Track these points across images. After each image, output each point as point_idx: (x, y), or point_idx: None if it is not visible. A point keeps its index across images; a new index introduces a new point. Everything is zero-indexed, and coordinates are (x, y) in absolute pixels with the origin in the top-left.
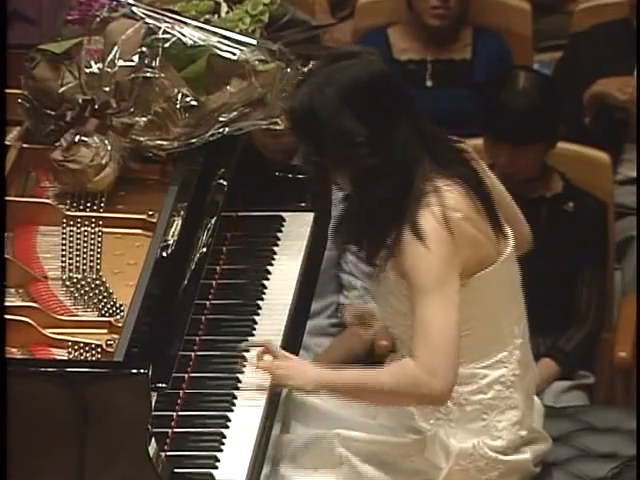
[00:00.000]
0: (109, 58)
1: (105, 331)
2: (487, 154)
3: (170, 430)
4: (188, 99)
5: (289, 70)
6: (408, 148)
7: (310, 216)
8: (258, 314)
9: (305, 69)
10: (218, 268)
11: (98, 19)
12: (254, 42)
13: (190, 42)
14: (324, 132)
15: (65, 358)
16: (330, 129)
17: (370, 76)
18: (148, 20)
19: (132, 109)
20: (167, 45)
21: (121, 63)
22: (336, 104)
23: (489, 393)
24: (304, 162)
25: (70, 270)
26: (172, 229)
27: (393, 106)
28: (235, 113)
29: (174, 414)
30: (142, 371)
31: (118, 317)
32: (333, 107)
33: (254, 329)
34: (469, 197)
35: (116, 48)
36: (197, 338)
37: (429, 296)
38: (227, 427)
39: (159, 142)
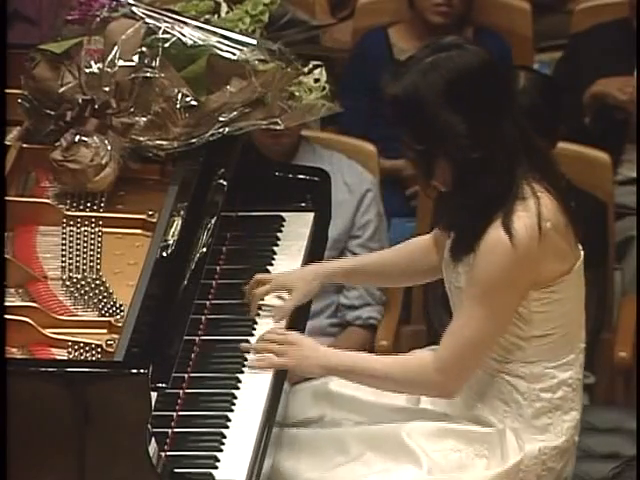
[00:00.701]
0: (109, 58)
1: (105, 331)
2: None
3: (170, 430)
4: (188, 99)
5: (289, 70)
6: (510, 145)
7: (310, 216)
8: (258, 314)
9: (305, 69)
10: (218, 268)
11: (98, 19)
12: (254, 42)
13: (190, 42)
14: (428, 121)
15: (65, 358)
16: (434, 118)
17: (477, 66)
18: (148, 20)
19: (132, 109)
20: (167, 45)
21: (121, 63)
22: (442, 93)
23: (558, 393)
24: (406, 149)
25: (70, 270)
26: (172, 229)
27: (497, 100)
28: (235, 113)
29: (174, 414)
30: (142, 371)
31: (118, 317)
32: (438, 96)
33: (254, 329)
34: (558, 205)
35: (116, 48)
36: (197, 338)
37: (482, 302)
38: (227, 427)
39: (159, 142)
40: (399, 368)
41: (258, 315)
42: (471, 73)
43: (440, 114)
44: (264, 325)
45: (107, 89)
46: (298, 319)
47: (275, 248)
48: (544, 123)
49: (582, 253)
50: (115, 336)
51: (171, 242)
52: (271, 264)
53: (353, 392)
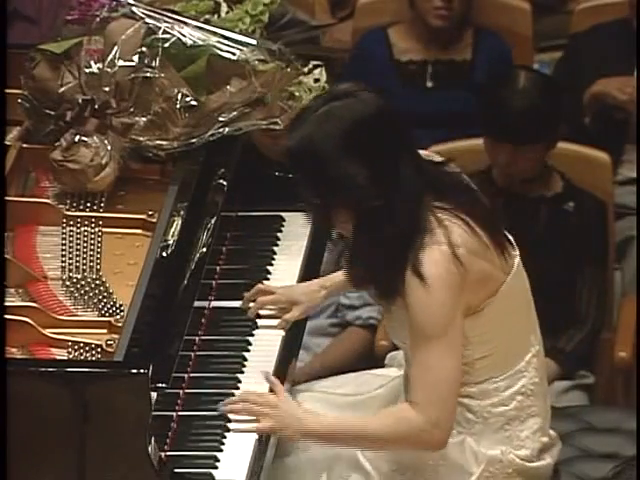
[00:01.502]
0: (109, 58)
1: (105, 331)
2: (488, 154)
3: (170, 430)
4: (188, 99)
5: (289, 70)
6: (411, 184)
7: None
8: (258, 314)
9: (305, 69)
10: (218, 268)
11: (98, 19)
12: (254, 42)
13: (190, 42)
14: (325, 173)
15: (65, 358)
16: (332, 170)
17: (371, 113)
18: (148, 20)
19: (132, 109)
20: (167, 45)
21: (121, 63)
22: (338, 144)
23: (511, 404)
24: (305, 204)
25: (70, 270)
26: (172, 229)
27: (394, 143)
28: (235, 113)
29: (174, 414)
30: (142, 371)
31: (118, 317)
32: (335, 147)
33: (254, 329)
34: (472, 227)
35: (116, 48)
36: (197, 338)
37: (432, 342)
38: (227, 427)
39: (159, 142)
40: (387, 428)
41: (258, 317)
42: (366, 121)
43: (337, 165)
44: (264, 324)
45: (107, 89)
46: (298, 319)
47: (275, 248)
48: (544, 123)
49: (517, 260)
50: (115, 336)
51: (171, 242)
52: (271, 264)
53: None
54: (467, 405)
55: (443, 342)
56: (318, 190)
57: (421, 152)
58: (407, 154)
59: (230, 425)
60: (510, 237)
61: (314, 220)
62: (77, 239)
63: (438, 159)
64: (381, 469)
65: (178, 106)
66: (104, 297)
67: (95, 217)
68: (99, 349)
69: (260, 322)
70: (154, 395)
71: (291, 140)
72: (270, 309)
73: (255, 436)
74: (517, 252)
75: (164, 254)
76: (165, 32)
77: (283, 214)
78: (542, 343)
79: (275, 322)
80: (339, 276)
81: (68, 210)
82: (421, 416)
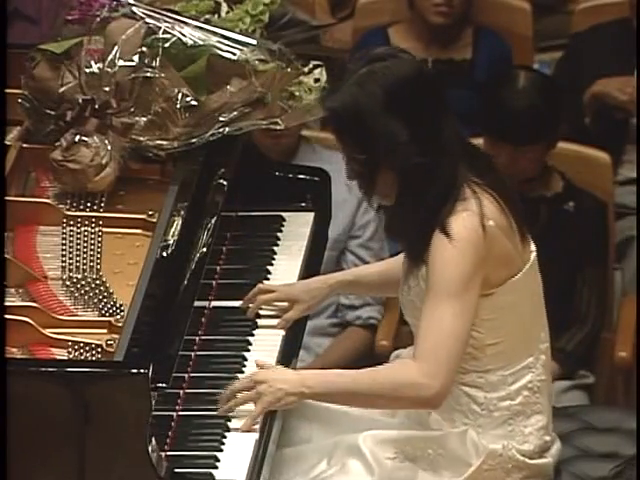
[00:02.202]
0: (109, 58)
1: (105, 331)
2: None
3: (170, 430)
4: (188, 99)
5: (289, 70)
6: (450, 150)
7: (310, 216)
8: (259, 314)
9: (305, 69)
10: (218, 268)
11: (98, 19)
12: (254, 42)
13: (190, 42)
14: (369, 132)
15: (65, 358)
16: (375, 129)
17: (413, 75)
18: (148, 20)
19: (132, 109)
20: (167, 45)
21: (121, 63)
22: (381, 103)
23: (517, 399)
24: (348, 162)
25: (70, 270)
26: (172, 229)
27: (435, 106)
28: (235, 113)
29: (174, 414)
30: (142, 371)
31: (118, 317)
32: (378, 106)
33: (254, 329)
34: (501, 206)
35: (116, 48)
36: (197, 338)
37: (447, 299)
38: (227, 427)
39: (159, 142)
40: (383, 379)
41: (259, 317)
42: (407, 81)
43: (380, 123)
44: (264, 325)
45: (107, 89)
46: (298, 319)
47: (275, 248)
48: (544, 123)
49: (534, 255)
50: (115, 336)
51: (171, 242)
52: (271, 264)
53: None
54: (473, 397)
55: (458, 301)
56: (363, 148)
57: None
58: (446, 117)
59: (230, 424)
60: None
61: (359, 184)
62: (77, 239)
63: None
64: (380, 457)
65: (178, 106)
66: (104, 297)
67: (95, 217)
68: (99, 349)
69: (260, 322)
70: (154, 395)
71: (334, 101)
72: (270, 308)
73: (255, 436)
74: (534, 248)
75: (164, 254)
76: (165, 32)
77: (283, 214)
78: (549, 343)
79: (275, 322)
80: (344, 275)
81: (68, 210)
82: (421, 368)
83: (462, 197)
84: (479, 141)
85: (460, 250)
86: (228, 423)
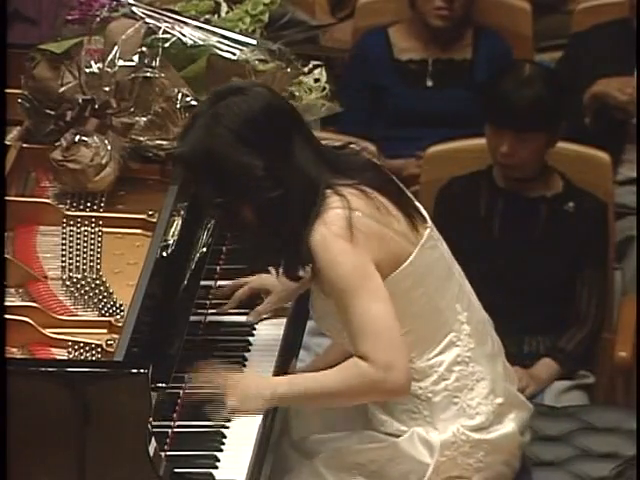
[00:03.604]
0: (109, 58)
1: (105, 331)
2: (488, 145)
3: (170, 430)
4: (188, 99)
5: (289, 70)
6: (308, 170)
7: None
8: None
9: (305, 69)
10: (218, 268)
11: (98, 19)
12: (254, 42)
13: (190, 42)
14: (222, 172)
15: (65, 358)
16: (228, 168)
17: (259, 109)
18: (148, 20)
19: (132, 109)
20: (167, 45)
21: (121, 63)
22: (230, 142)
23: (451, 377)
24: (205, 206)
25: (70, 270)
26: (172, 229)
27: (286, 133)
28: None
29: (174, 414)
30: (142, 371)
31: (118, 317)
32: (227, 146)
33: (254, 329)
34: (373, 197)
35: (116, 48)
36: (197, 338)
37: (356, 294)
38: (227, 427)
39: (159, 142)
40: (342, 382)
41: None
42: (253, 116)
43: (233, 163)
44: (264, 325)
45: (107, 89)
46: (298, 319)
47: None
48: (546, 111)
49: (427, 232)
50: (115, 336)
51: (171, 242)
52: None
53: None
54: (411, 390)
55: (363, 291)
56: (218, 190)
57: (318, 136)
58: (300, 142)
59: (230, 424)
60: (421, 210)
61: (219, 220)
62: (77, 239)
63: (337, 143)
64: (342, 475)
65: (178, 106)
66: (104, 297)
67: (95, 217)
68: (99, 349)
69: (260, 323)
70: (154, 395)
71: (184, 146)
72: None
73: (255, 435)
74: (428, 224)
75: (164, 254)
76: (165, 32)
77: None
78: (477, 310)
79: (275, 321)
80: None
81: (68, 210)
82: (371, 365)
83: (325, 199)
84: (479, 141)
85: (338, 244)
86: (228, 423)
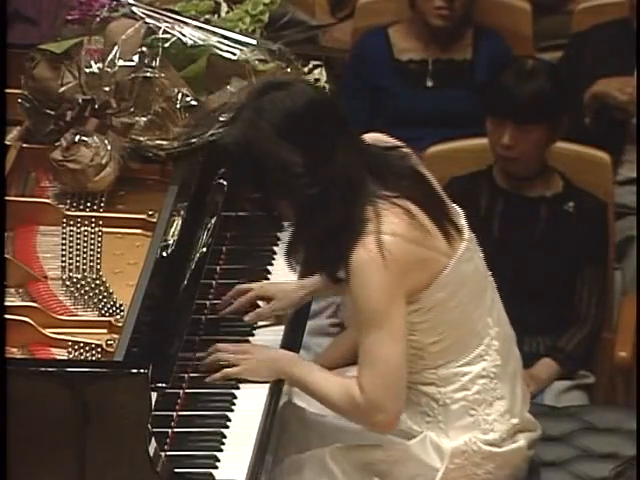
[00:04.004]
0: (109, 58)
1: (105, 331)
2: (489, 138)
3: (170, 430)
4: (188, 99)
5: (289, 70)
6: (349, 172)
7: None
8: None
9: (305, 69)
10: (218, 268)
11: (98, 19)
12: (254, 42)
13: (190, 42)
14: (262, 167)
15: (65, 358)
16: (268, 163)
17: (303, 105)
18: (148, 20)
19: (132, 109)
20: (167, 45)
21: (121, 63)
22: (271, 137)
23: (473, 388)
24: (246, 200)
25: (70, 270)
26: (172, 229)
27: (329, 132)
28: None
29: (174, 414)
30: (142, 371)
31: (118, 317)
32: (268, 140)
33: (254, 329)
34: (413, 214)
35: (116, 48)
36: (197, 338)
37: (373, 329)
38: (227, 427)
39: (159, 142)
40: (337, 396)
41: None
42: (296, 112)
43: (273, 158)
44: (264, 325)
45: (107, 89)
46: (298, 319)
47: (275, 248)
48: (547, 104)
49: (464, 244)
50: (115, 336)
51: (171, 242)
52: (271, 264)
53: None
54: (430, 394)
55: (384, 329)
56: (257, 184)
57: (368, 136)
58: (343, 142)
59: (230, 424)
60: (460, 221)
61: (261, 220)
62: (77, 239)
63: (385, 144)
64: (349, 471)
65: (178, 106)
66: (104, 297)
67: (95, 217)
68: (99, 349)
69: (259, 322)
70: (154, 395)
71: (226, 138)
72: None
73: (255, 435)
74: (466, 236)
75: (164, 254)
76: (165, 32)
77: None
78: (505, 325)
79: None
80: (315, 279)
81: (68, 210)
82: (364, 398)
83: (365, 219)
84: (479, 141)
85: (371, 278)
86: (228, 423)
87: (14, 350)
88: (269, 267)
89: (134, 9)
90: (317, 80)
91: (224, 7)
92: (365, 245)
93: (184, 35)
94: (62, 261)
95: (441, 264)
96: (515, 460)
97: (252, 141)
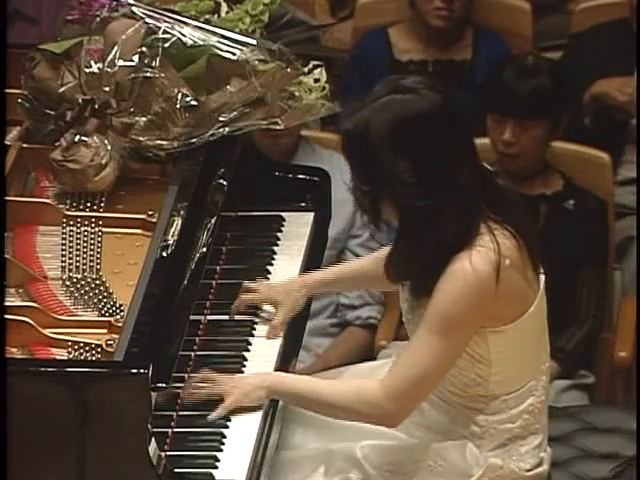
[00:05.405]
0: (109, 58)
1: (105, 331)
2: (490, 136)
3: (170, 430)
4: (188, 99)
5: (289, 70)
6: (465, 189)
7: (310, 216)
8: (258, 314)
9: (305, 69)
10: (218, 268)
11: (98, 19)
12: (254, 42)
13: (190, 42)
14: (375, 163)
15: (65, 358)
16: (381, 162)
17: (428, 112)
18: (148, 20)
19: (132, 109)
20: (167, 45)
21: (121, 63)
22: (390, 137)
23: (517, 422)
24: (353, 190)
25: (70, 270)
26: (172, 229)
27: (450, 146)
28: (235, 113)
29: (174, 414)
30: (142, 371)
31: (118, 317)
32: (386, 139)
33: (254, 329)
34: (517, 241)
35: (116, 48)
36: (197, 338)
37: (437, 337)
38: (227, 427)
39: (159, 142)
40: (346, 395)
41: (257, 316)
42: (422, 119)
43: (386, 158)
44: (264, 325)
45: (107, 89)
46: (298, 319)
47: (275, 248)
48: (548, 100)
49: (542, 280)
50: (115, 336)
51: (171, 242)
52: (271, 264)
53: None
54: (475, 420)
55: (446, 341)
56: (366, 177)
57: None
58: (464, 159)
59: (230, 424)
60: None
61: (360, 207)
62: (77, 239)
63: (491, 169)
64: (380, 469)
65: (178, 106)
66: (104, 297)
67: (95, 217)
68: (99, 349)
69: (260, 322)
70: (154, 395)
71: (347, 123)
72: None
73: (255, 435)
74: (542, 271)
75: (164, 254)
76: (165, 32)
77: (283, 214)
78: (549, 357)
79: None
80: (325, 273)
81: (68, 210)
82: (386, 392)
83: (479, 233)
84: (479, 141)
85: (466, 288)
86: (228, 423)
87: (14, 350)
88: (269, 267)
89: (134, 9)
90: (317, 80)
91: (224, 7)
92: (472, 257)
93: (184, 35)
94: (62, 261)
95: (530, 299)
96: None
97: (371, 133)
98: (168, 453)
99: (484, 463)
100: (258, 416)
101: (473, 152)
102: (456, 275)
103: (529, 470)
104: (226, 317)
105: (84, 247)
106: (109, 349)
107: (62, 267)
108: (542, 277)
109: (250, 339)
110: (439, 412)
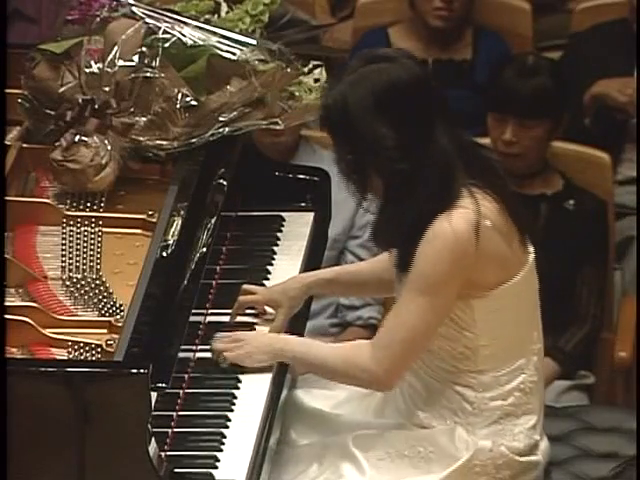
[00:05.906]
0: (109, 58)
1: (105, 331)
2: (491, 135)
3: (170, 430)
4: (188, 99)
5: (289, 70)
6: (444, 154)
7: (310, 216)
8: (258, 315)
9: (305, 69)
10: (218, 268)
11: (98, 19)
12: (254, 42)
13: (190, 42)
14: (355, 131)
15: (65, 358)
16: (361, 129)
17: (406, 80)
18: (148, 20)
19: (132, 109)
20: (167, 45)
21: (121, 63)
22: (369, 104)
23: (508, 399)
24: (337, 160)
25: (70, 270)
26: (172, 229)
27: (428, 111)
28: (235, 113)
29: (174, 414)
30: (142, 371)
31: (118, 317)
32: (366, 107)
33: (254, 329)
34: (500, 206)
35: (116, 48)
36: (197, 338)
37: (421, 296)
38: (227, 427)
39: (159, 142)
40: (336, 356)
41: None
42: (398, 87)
43: (366, 126)
44: (264, 325)
45: (107, 89)
46: (298, 319)
47: (275, 248)
48: (549, 99)
49: (532, 257)
50: (115, 336)
51: (171, 242)
52: (271, 264)
53: (314, 405)
54: (465, 395)
55: (430, 300)
56: (350, 148)
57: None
58: (441, 125)
59: (230, 424)
60: (526, 235)
61: (350, 184)
62: (77, 239)
63: (478, 142)
64: (372, 458)
65: (178, 106)
66: (104, 297)
67: (95, 217)
68: (99, 349)
69: (260, 322)
70: (154, 395)
71: (326, 98)
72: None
73: (255, 435)
74: (531, 249)
75: (164, 254)
76: (165, 32)
77: (283, 214)
78: (543, 343)
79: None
80: (323, 273)
81: (68, 210)
82: (374, 354)
83: (458, 196)
84: (480, 141)
85: (445, 248)
86: (228, 423)
87: (14, 350)
88: (269, 267)
89: (134, 9)
90: (317, 80)
91: (224, 7)
92: (451, 217)
93: (184, 35)
94: (62, 261)
95: (513, 268)
96: (529, 473)
97: (350, 105)
98: (168, 453)
99: (473, 446)
100: (258, 416)
101: (447, 120)
102: (435, 235)
103: (522, 454)
104: (226, 319)
105: (84, 247)
106: (109, 349)
107: (62, 267)
108: (531, 255)
109: None
110: (429, 390)
